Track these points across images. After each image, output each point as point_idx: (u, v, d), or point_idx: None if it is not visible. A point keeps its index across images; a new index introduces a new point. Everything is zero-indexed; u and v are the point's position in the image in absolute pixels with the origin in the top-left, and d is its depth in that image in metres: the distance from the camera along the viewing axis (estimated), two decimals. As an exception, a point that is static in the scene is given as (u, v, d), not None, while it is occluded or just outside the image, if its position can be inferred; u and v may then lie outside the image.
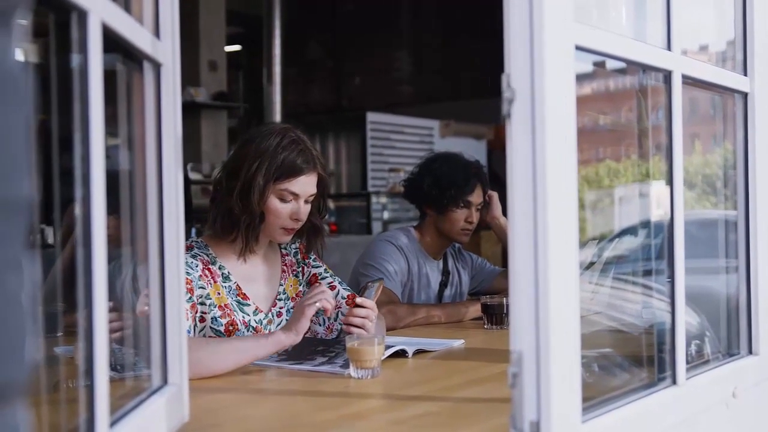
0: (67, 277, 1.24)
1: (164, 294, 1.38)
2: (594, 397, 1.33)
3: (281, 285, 2.35)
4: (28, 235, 0.61)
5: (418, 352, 2.19)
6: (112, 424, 1.10)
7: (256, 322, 2.24)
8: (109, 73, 1.10)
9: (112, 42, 1.12)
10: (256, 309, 2.25)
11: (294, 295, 2.37)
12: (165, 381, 1.38)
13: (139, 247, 1.41)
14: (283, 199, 2.19)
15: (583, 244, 1.29)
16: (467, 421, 1.52)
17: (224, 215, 2.21)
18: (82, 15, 1.00)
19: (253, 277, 2.30)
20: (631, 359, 1.72)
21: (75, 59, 1.03)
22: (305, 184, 2.21)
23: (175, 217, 1.39)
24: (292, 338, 1.97)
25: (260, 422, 1.58)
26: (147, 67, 1.34)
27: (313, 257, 2.44)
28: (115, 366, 1.36)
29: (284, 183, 2.18)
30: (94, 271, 1.02)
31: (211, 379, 1.90)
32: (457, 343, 2.36)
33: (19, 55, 0.61)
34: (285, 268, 2.39)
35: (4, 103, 0.58)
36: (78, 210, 1.02)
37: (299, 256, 2.42)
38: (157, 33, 1.35)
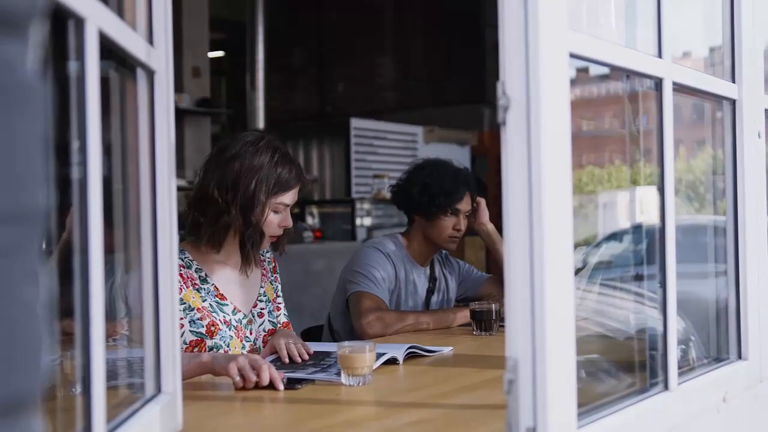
0: (57, 283, 1.24)
1: (158, 302, 1.38)
2: (588, 403, 1.33)
3: (262, 287, 2.43)
4: (41, 245, 0.60)
5: (410, 357, 2.19)
6: (108, 433, 1.09)
7: (236, 322, 2.30)
8: (102, 80, 1.09)
9: (107, 49, 1.12)
10: (235, 309, 2.31)
11: (272, 299, 2.46)
12: (159, 389, 1.37)
13: (131, 254, 1.40)
14: (276, 211, 2.29)
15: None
16: (462, 427, 1.52)
17: (223, 230, 2.26)
18: (80, 22, 0.99)
19: (233, 279, 2.35)
20: (623, 365, 1.73)
21: (71, 66, 1.02)
22: (295, 195, 2.33)
23: (168, 224, 1.38)
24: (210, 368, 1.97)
25: (253, 430, 1.58)
26: (140, 74, 1.34)
27: (278, 272, 2.55)
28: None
29: (280, 197, 2.28)
30: (90, 280, 1.01)
31: (204, 388, 1.89)
32: (447, 350, 2.36)
33: (35, 65, 0.61)
34: (264, 272, 2.47)
35: (22, 113, 0.58)
36: (75, 217, 1.01)
37: (270, 266, 2.52)
38: (150, 40, 1.35)
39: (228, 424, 1.61)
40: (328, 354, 2.20)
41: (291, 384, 1.86)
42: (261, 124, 8.53)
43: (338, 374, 1.92)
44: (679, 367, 1.60)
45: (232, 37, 9.37)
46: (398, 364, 2.13)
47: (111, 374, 1.39)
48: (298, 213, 7.36)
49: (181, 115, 7.37)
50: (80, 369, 1.03)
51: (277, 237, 2.35)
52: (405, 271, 3.05)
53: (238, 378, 1.83)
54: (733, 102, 1.84)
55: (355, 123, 8.16)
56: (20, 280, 0.57)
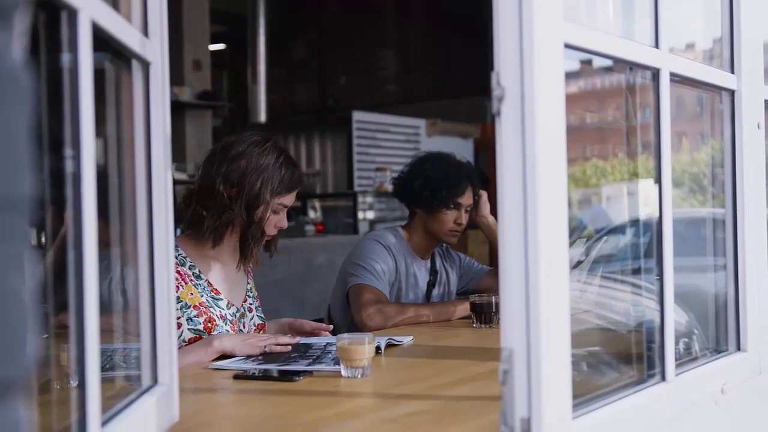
0: (54, 277, 1.24)
1: (154, 294, 1.38)
2: (584, 394, 1.33)
3: (248, 283, 2.48)
4: (28, 232, 0.61)
5: (409, 350, 2.21)
6: (103, 423, 1.09)
7: (231, 316, 2.34)
8: (97, 71, 1.09)
9: (101, 41, 1.11)
10: (228, 303, 2.35)
11: (256, 296, 2.51)
12: (155, 381, 1.38)
13: (128, 247, 1.40)
14: (275, 212, 2.33)
15: (570, 243, 1.29)
16: (458, 418, 1.52)
17: (225, 225, 2.29)
18: (72, 13, 0.99)
19: (224, 275, 2.39)
20: (621, 357, 1.72)
21: (64, 58, 1.02)
22: (294, 197, 2.38)
23: (164, 217, 1.38)
24: (222, 348, 2.12)
25: (251, 422, 1.58)
26: (135, 66, 1.33)
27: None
28: (104, 366, 1.36)
29: (282, 197, 2.33)
30: (84, 273, 1.01)
31: (201, 380, 1.90)
32: (407, 340, 2.38)
33: (20, 54, 0.61)
34: (249, 270, 2.50)
35: (6, 101, 0.58)
36: (68, 211, 1.01)
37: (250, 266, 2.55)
38: (145, 32, 1.35)
39: (225, 415, 1.61)
40: (310, 346, 2.22)
41: (289, 376, 1.87)
42: (262, 117, 8.54)
43: (336, 363, 1.91)
44: (681, 360, 1.60)
45: (233, 29, 9.37)
46: (380, 353, 2.15)
47: (109, 365, 1.39)
48: (300, 206, 7.37)
49: (182, 108, 7.38)
50: (75, 361, 1.03)
51: (271, 238, 2.38)
52: (406, 263, 3.05)
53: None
54: (732, 93, 1.84)
55: (357, 116, 8.15)
56: (5, 266, 0.57)
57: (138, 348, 1.39)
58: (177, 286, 2.22)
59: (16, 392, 0.57)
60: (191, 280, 2.28)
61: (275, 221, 2.34)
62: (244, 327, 2.38)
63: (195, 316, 2.23)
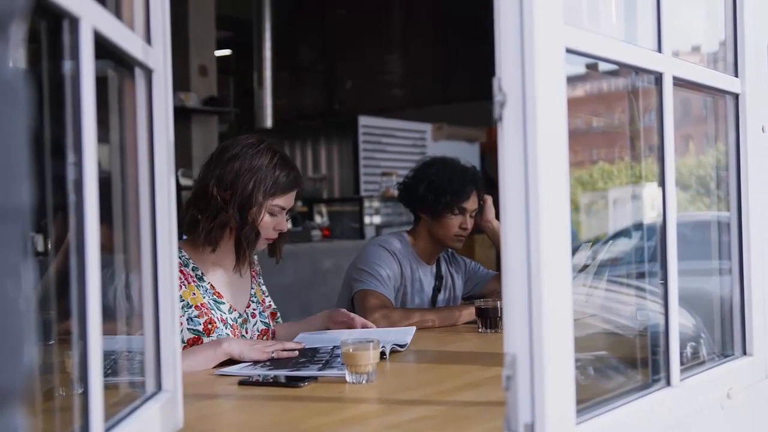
0: (60, 284, 1.24)
1: (158, 301, 1.38)
2: (589, 399, 1.33)
3: (252, 288, 2.47)
4: (26, 242, 0.61)
5: (393, 352, 2.22)
6: (107, 430, 1.09)
7: (232, 320, 2.34)
8: (100, 79, 1.10)
9: (103, 48, 1.12)
10: (231, 307, 2.35)
11: (261, 301, 2.50)
12: (159, 387, 1.38)
13: (132, 254, 1.40)
14: (272, 214, 2.33)
15: (576, 247, 1.29)
16: (462, 424, 1.52)
17: (220, 227, 2.29)
18: (74, 21, 1.00)
19: (227, 280, 2.39)
20: (626, 361, 1.72)
21: (66, 65, 1.02)
22: (291, 199, 2.37)
23: (167, 223, 1.39)
24: (229, 352, 2.11)
25: (255, 428, 1.58)
26: (138, 73, 1.34)
27: (261, 276, 2.58)
28: (107, 372, 1.36)
29: (277, 199, 2.32)
30: (87, 279, 1.01)
31: (205, 386, 1.90)
32: (410, 335, 2.40)
33: (17, 63, 0.61)
34: (254, 274, 2.51)
35: (3, 111, 0.58)
36: (71, 217, 1.02)
37: (259, 269, 2.57)
38: (148, 39, 1.35)
39: (229, 422, 1.61)
40: (317, 350, 2.21)
41: (294, 382, 1.87)
42: (269, 122, 8.55)
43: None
44: (687, 364, 1.59)
45: (238, 35, 9.37)
46: (385, 359, 2.14)
47: (112, 370, 1.39)
48: (307, 211, 7.37)
49: (188, 114, 7.38)
50: (78, 368, 1.03)
51: (272, 241, 2.38)
52: (411, 269, 3.05)
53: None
54: (736, 96, 1.83)
55: (364, 121, 8.15)
56: (2, 275, 0.57)
57: (141, 351, 1.40)
58: (179, 285, 2.23)
59: (14, 400, 0.57)
60: (194, 281, 2.29)
61: (274, 224, 2.33)
62: (246, 332, 2.38)
63: (196, 317, 2.24)
